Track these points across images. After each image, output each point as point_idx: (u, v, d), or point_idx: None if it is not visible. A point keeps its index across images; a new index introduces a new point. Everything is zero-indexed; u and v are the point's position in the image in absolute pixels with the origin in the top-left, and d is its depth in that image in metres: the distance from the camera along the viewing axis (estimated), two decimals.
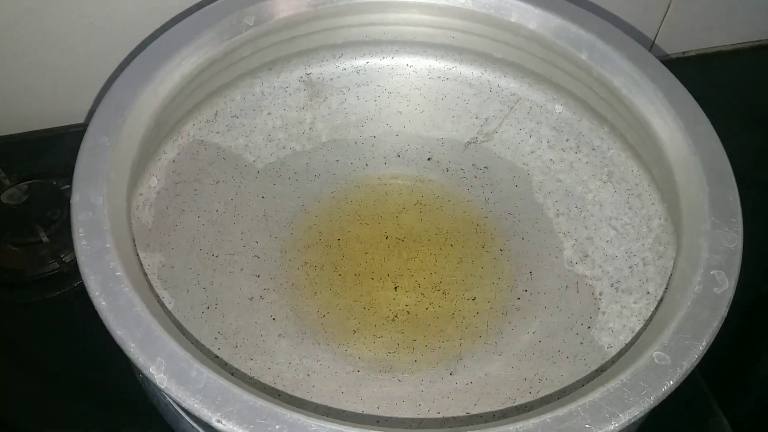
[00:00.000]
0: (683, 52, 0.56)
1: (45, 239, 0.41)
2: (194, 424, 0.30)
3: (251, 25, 0.37)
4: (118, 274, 0.27)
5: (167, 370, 0.25)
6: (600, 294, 0.36)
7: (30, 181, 0.43)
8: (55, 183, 0.44)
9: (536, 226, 0.39)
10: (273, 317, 0.35)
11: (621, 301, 0.35)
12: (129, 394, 0.35)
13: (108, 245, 0.28)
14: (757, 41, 0.57)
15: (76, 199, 0.29)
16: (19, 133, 0.47)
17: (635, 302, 0.35)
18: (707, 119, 0.33)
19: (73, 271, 0.41)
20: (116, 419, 0.36)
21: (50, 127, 0.48)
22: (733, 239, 0.30)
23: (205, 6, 0.37)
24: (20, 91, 0.46)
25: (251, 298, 0.36)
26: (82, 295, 0.37)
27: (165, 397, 0.31)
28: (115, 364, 0.36)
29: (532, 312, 0.36)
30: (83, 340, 0.39)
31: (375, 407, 0.32)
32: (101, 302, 0.26)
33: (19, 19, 0.41)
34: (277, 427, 0.24)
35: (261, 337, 0.34)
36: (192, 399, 0.24)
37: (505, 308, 0.36)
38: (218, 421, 0.24)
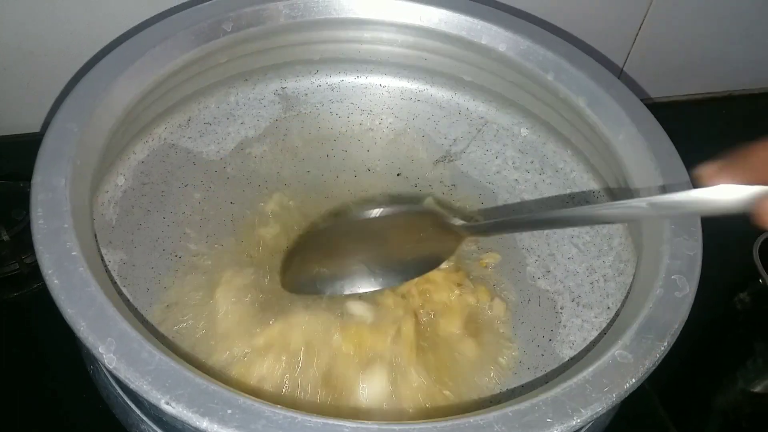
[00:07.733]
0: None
1: (6, 238, 0.40)
2: (144, 417, 0.28)
3: (229, 31, 0.38)
4: (74, 254, 0.26)
5: (117, 350, 0.24)
6: (561, 308, 0.36)
7: None
8: (22, 185, 0.43)
9: (500, 241, 0.39)
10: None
11: (582, 315, 0.36)
12: (79, 398, 0.34)
13: (66, 225, 0.27)
14: (708, 93, 0.61)
15: (37, 180, 0.29)
16: None
17: (596, 317, 0.35)
18: (667, 136, 0.35)
19: (33, 272, 0.40)
20: (65, 420, 0.34)
21: (26, 132, 0.47)
22: (693, 247, 0.30)
23: (184, 9, 0.38)
24: None
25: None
26: (40, 298, 0.35)
27: (114, 389, 0.30)
28: (67, 368, 0.34)
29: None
30: (36, 344, 0.37)
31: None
32: (54, 280, 0.25)
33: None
34: (229, 411, 0.23)
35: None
36: (141, 380, 0.23)
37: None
38: (167, 404, 0.23)
